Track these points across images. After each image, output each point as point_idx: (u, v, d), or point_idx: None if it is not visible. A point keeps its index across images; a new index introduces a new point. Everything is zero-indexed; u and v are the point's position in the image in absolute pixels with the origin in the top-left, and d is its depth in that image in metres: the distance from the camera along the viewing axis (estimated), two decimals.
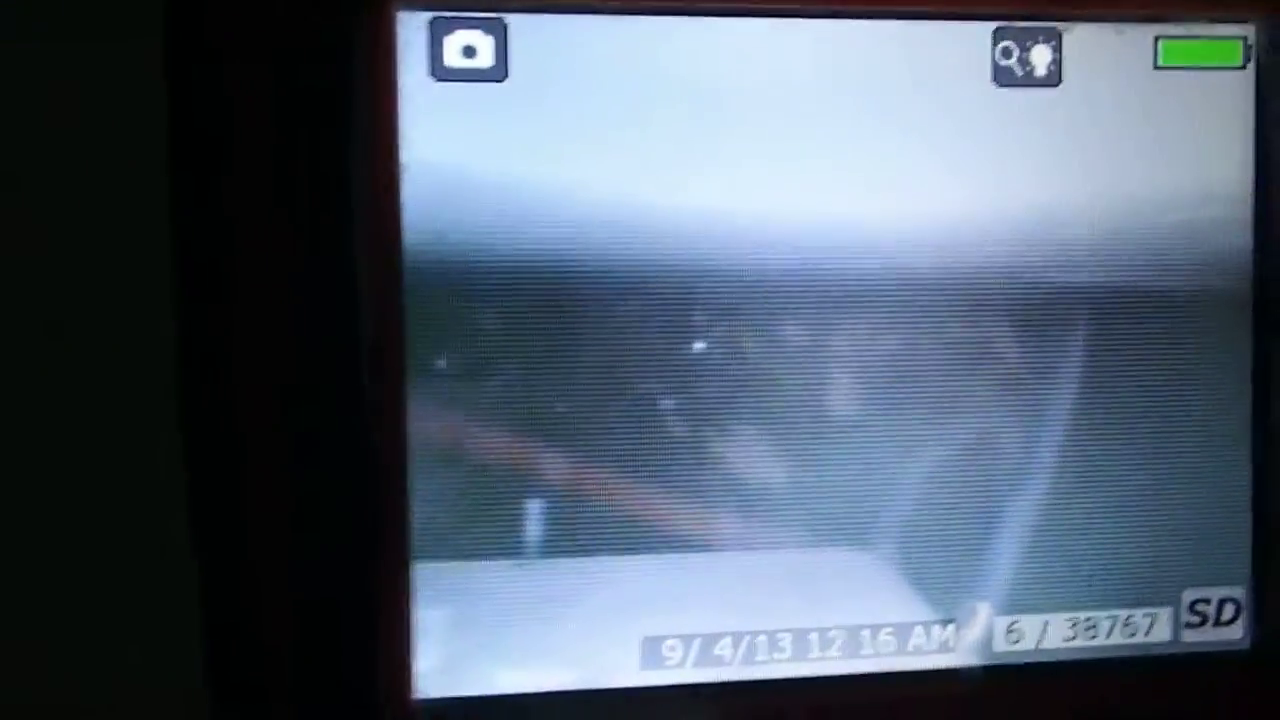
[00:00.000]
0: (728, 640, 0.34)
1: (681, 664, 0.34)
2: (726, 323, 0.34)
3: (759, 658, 0.34)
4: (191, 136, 0.31)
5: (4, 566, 0.31)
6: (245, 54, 0.31)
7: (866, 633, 0.35)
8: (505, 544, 0.33)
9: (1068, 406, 0.36)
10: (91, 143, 0.31)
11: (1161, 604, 0.36)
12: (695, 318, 0.34)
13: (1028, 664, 0.36)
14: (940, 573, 0.35)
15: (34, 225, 0.31)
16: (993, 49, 0.35)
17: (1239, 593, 0.36)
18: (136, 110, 0.31)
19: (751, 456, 0.34)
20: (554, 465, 0.33)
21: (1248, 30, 0.36)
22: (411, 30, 0.32)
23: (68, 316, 0.31)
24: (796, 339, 0.34)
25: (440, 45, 0.32)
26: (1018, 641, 0.36)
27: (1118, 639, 0.36)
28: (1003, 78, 0.35)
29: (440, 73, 0.32)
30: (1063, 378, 0.36)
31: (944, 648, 0.35)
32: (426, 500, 0.32)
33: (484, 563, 0.33)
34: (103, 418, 0.31)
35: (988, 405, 0.35)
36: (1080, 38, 0.35)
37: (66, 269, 0.32)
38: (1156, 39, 0.36)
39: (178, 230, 0.31)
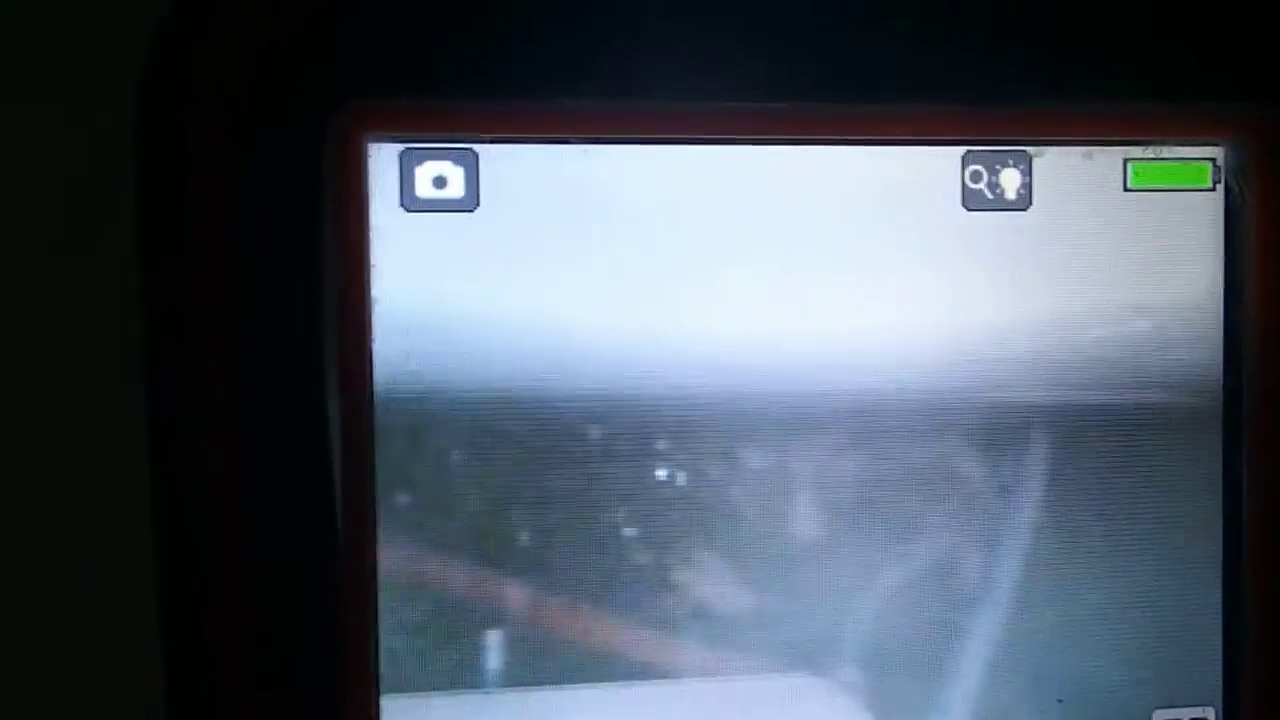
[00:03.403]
0: None
1: None
2: (690, 448, 0.34)
3: None
4: (160, 266, 0.31)
5: None
6: (213, 183, 0.31)
7: None
8: (471, 675, 0.33)
9: (1033, 526, 0.36)
10: (61, 242, 0.32)
11: None
12: (659, 444, 0.34)
13: None
14: (906, 696, 0.35)
15: None
16: (962, 173, 0.35)
17: (1210, 714, 0.36)
18: (103, 221, 0.31)
19: (714, 583, 0.34)
20: (519, 595, 0.33)
21: (1216, 152, 0.36)
22: (382, 161, 0.32)
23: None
24: (758, 464, 0.34)
25: (411, 176, 0.32)
26: None
27: None
28: (972, 201, 0.35)
29: (411, 203, 0.32)
30: (1028, 497, 0.36)
31: None
32: (393, 632, 0.32)
33: (450, 694, 0.33)
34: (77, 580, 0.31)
35: (952, 526, 0.35)
36: (1050, 161, 0.35)
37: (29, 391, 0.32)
38: (1126, 161, 0.36)
39: (146, 355, 0.31)
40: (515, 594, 0.33)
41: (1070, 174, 0.36)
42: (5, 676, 0.31)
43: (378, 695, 0.32)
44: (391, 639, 0.32)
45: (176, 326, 0.31)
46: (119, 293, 0.31)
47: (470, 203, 0.33)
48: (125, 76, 0.31)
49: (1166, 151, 0.36)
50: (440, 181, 0.33)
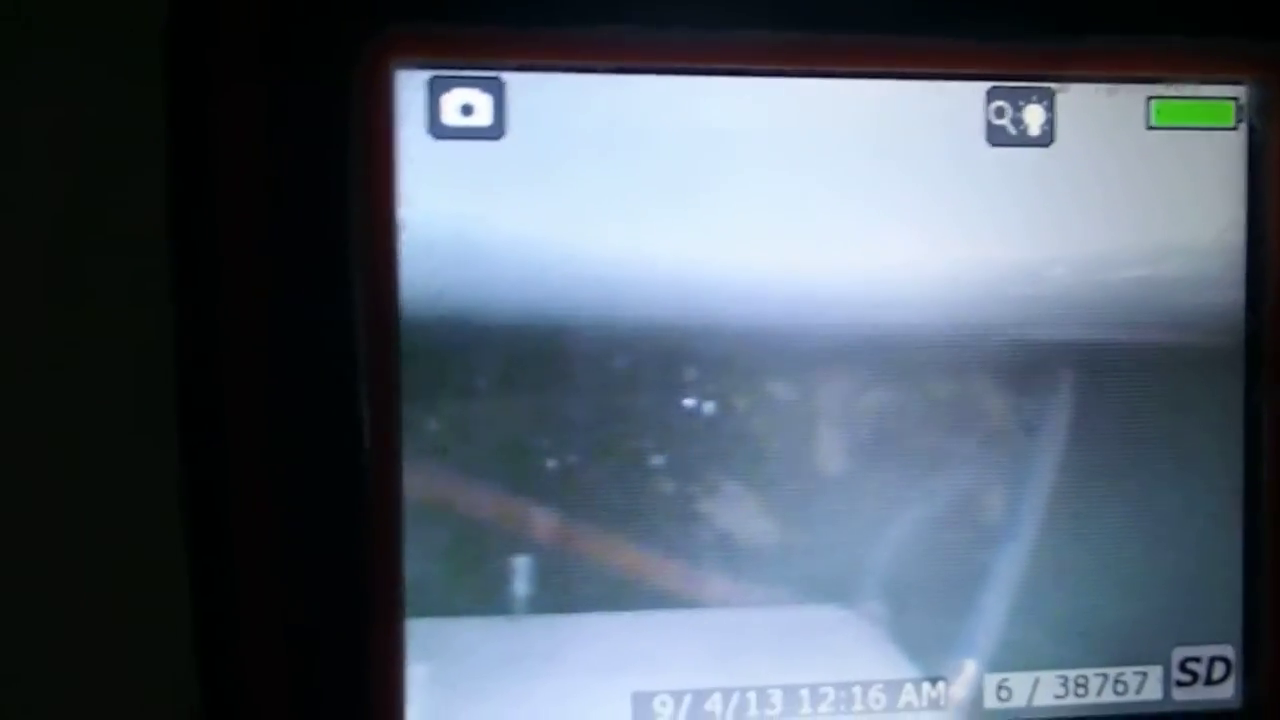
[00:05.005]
0: (718, 696, 0.34)
1: (673, 719, 0.34)
2: (716, 379, 0.34)
3: (750, 714, 0.34)
4: (187, 189, 0.31)
5: None
6: (240, 111, 0.31)
7: (858, 689, 0.35)
8: (497, 600, 0.33)
9: (1056, 463, 0.36)
10: (87, 182, 0.32)
11: (1152, 662, 0.36)
12: (686, 374, 0.34)
13: None
14: (929, 630, 0.35)
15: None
16: (986, 108, 0.35)
17: (1230, 651, 0.37)
18: (133, 158, 0.32)
19: (740, 513, 0.34)
20: (545, 522, 0.33)
21: (1239, 91, 0.36)
22: (410, 89, 0.32)
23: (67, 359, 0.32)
24: (783, 395, 0.34)
25: (438, 103, 0.32)
26: (1008, 699, 0.36)
27: (1108, 697, 0.36)
28: (996, 137, 0.35)
29: (438, 130, 0.32)
30: (1051, 434, 0.36)
31: (934, 705, 0.35)
32: (419, 557, 0.32)
33: (475, 619, 0.33)
34: (99, 485, 0.31)
35: (974, 461, 0.35)
36: (1073, 98, 0.35)
37: (62, 313, 0.32)
38: (1149, 99, 0.36)
39: (175, 284, 0.31)
40: (541, 521, 0.33)
41: (1093, 111, 0.36)
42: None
43: (403, 618, 0.32)
44: (417, 564, 0.32)
45: (205, 254, 0.31)
46: (149, 227, 0.31)
47: (497, 131, 0.33)
48: (152, 9, 0.32)
49: (1190, 90, 0.36)
50: (467, 109, 0.33)
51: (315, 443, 0.31)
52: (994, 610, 0.35)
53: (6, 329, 0.31)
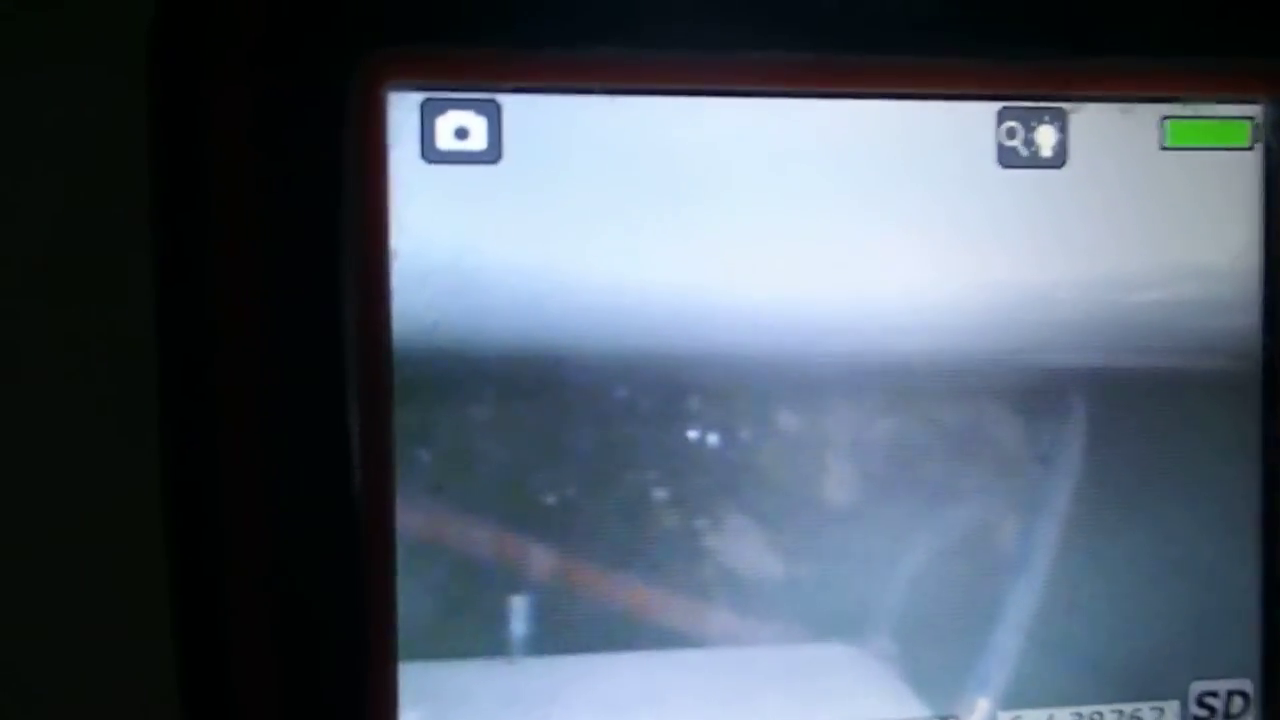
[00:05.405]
0: None
1: None
2: (720, 409, 0.33)
3: None
4: (175, 214, 0.30)
5: None
6: (231, 132, 0.30)
7: None
8: (494, 642, 0.32)
9: (1069, 493, 0.35)
10: (72, 198, 0.31)
11: (1168, 697, 0.35)
12: (689, 404, 0.33)
13: None
14: (940, 666, 0.34)
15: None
16: (996, 130, 0.34)
17: (1248, 685, 0.35)
18: (119, 181, 0.31)
19: (744, 548, 0.33)
20: (544, 559, 0.32)
21: (1255, 111, 0.35)
22: (403, 111, 0.31)
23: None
24: (790, 426, 0.33)
25: (432, 127, 0.31)
26: None
27: None
28: (1007, 159, 0.34)
29: (432, 155, 0.31)
30: (1063, 463, 0.35)
31: None
32: (413, 597, 0.31)
33: (472, 662, 0.32)
34: (87, 526, 0.30)
35: (986, 492, 0.34)
36: (1086, 118, 0.34)
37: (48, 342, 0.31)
38: (1163, 119, 0.35)
39: (161, 315, 0.30)
40: (539, 558, 0.32)
41: (1107, 132, 0.35)
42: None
43: (397, 662, 0.31)
44: (411, 604, 0.31)
45: (192, 281, 0.30)
46: (134, 251, 0.30)
47: (493, 155, 0.32)
48: (136, 29, 0.31)
49: (1204, 109, 0.35)
50: (462, 133, 0.32)
51: (305, 480, 0.30)
52: (1007, 645, 0.34)
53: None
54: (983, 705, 0.34)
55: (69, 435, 0.31)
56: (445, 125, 0.31)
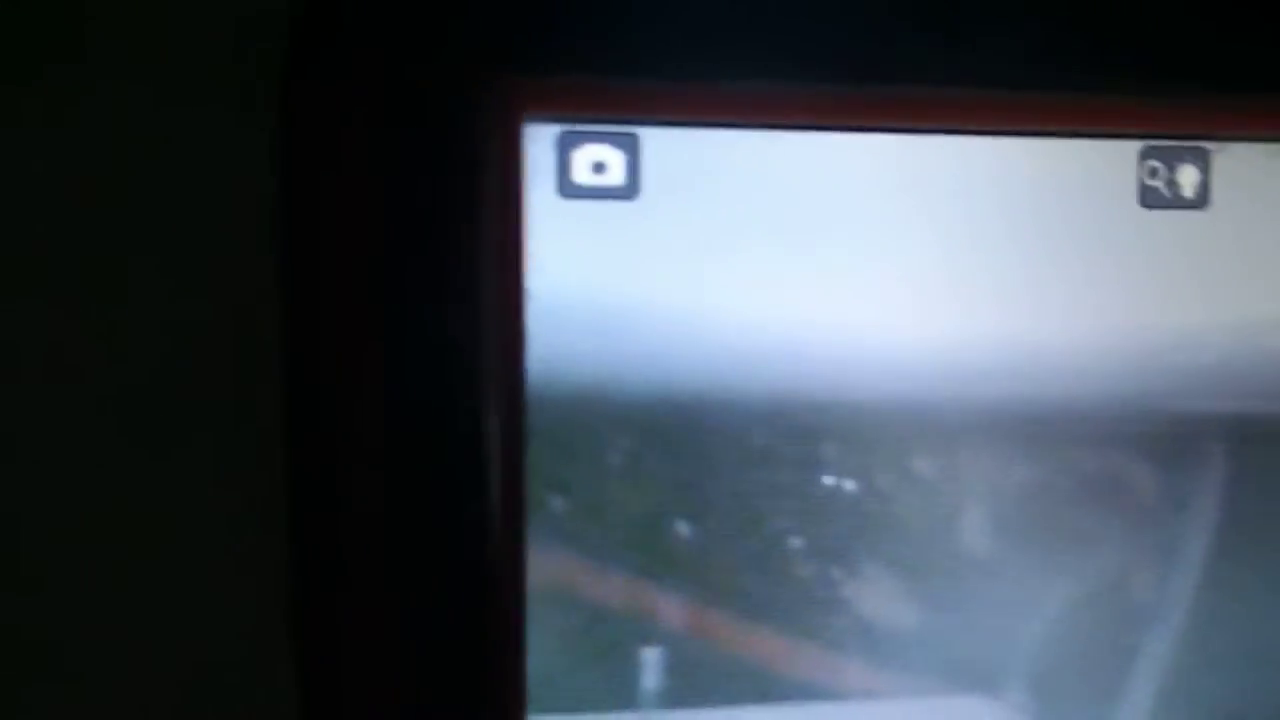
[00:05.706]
0: None
1: None
2: (858, 455, 0.32)
3: None
4: (305, 258, 0.29)
5: None
6: (361, 169, 0.29)
7: None
8: (623, 695, 0.31)
9: (1207, 542, 0.34)
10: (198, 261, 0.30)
11: None
12: (826, 450, 0.32)
13: None
14: (1077, 718, 0.33)
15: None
16: (1139, 168, 0.33)
17: None
18: (251, 215, 0.30)
19: (879, 598, 0.32)
20: (675, 610, 0.31)
21: None
22: (539, 145, 0.30)
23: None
24: (926, 472, 0.32)
25: (568, 160, 0.30)
26: None
27: None
28: (1149, 199, 0.33)
29: (568, 190, 0.30)
30: (1202, 511, 0.34)
31: None
32: (542, 648, 0.30)
33: (601, 716, 0.31)
34: (209, 580, 0.29)
35: (1124, 541, 0.33)
36: (1230, 158, 0.33)
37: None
38: None
39: (289, 359, 0.29)
40: (672, 608, 0.31)
41: (1250, 172, 0.34)
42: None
43: (525, 716, 0.30)
44: (540, 656, 0.30)
45: (324, 325, 0.29)
46: (259, 287, 0.29)
47: (630, 190, 0.31)
48: (269, 59, 0.30)
49: None
50: (599, 167, 0.30)
51: (436, 527, 0.29)
52: (1143, 697, 0.33)
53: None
54: None
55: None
56: (582, 159, 0.30)
